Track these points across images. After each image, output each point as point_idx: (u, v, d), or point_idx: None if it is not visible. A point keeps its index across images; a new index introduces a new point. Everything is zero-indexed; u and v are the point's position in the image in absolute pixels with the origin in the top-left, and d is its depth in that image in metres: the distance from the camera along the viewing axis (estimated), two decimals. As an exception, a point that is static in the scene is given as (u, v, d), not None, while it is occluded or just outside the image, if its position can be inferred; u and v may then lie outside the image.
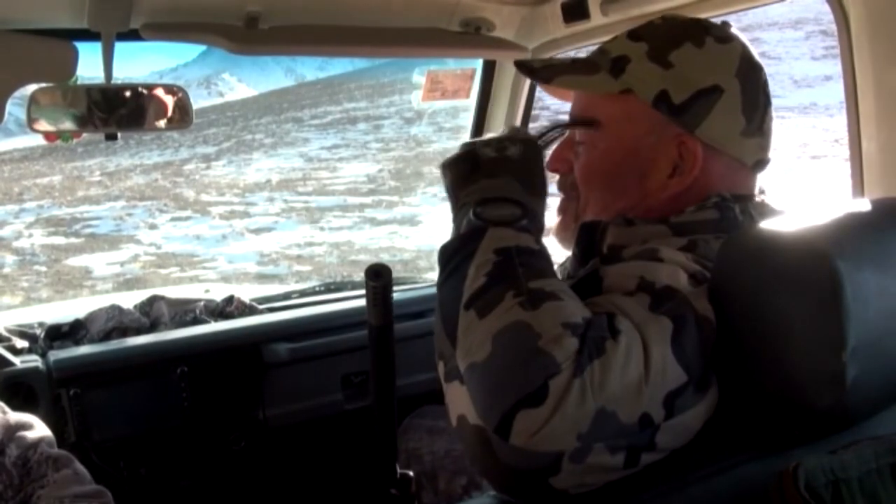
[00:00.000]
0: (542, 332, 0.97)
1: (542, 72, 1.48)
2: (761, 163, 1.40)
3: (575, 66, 1.44)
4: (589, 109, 1.42)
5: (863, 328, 1.01)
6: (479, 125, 2.91)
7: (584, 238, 1.35)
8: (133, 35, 2.05)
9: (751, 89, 1.36)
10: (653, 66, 1.35)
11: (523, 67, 1.53)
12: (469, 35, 2.39)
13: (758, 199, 1.38)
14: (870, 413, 1.08)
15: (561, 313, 1.00)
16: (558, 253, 1.43)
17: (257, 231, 18.95)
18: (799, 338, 1.02)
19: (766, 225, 1.10)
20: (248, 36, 2.10)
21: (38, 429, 1.80)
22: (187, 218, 20.86)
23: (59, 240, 18.96)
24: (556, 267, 1.40)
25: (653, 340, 1.00)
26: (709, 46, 1.35)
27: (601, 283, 1.16)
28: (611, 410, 0.95)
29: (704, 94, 1.32)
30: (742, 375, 1.06)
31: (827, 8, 1.73)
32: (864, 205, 1.22)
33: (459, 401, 1.05)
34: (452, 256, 1.17)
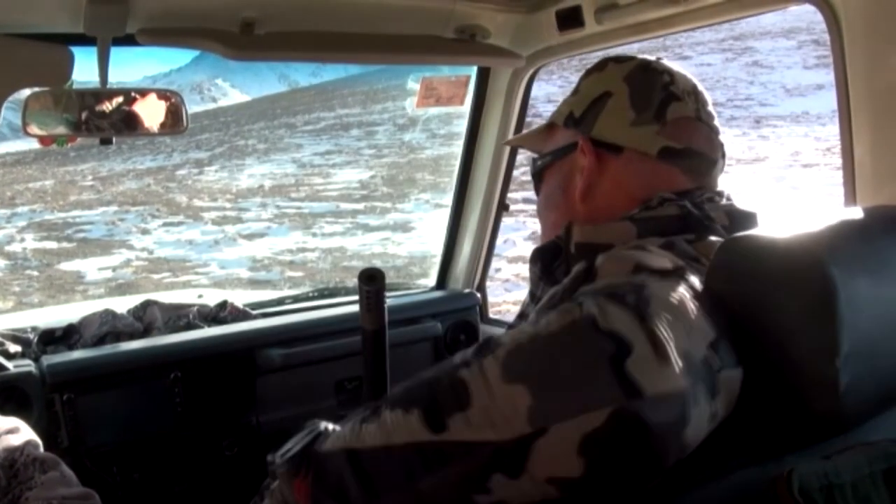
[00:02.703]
0: None
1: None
2: (669, 151, 1.45)
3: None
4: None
5: (856, 334, 1.02)
6: (474, 132, 2.92)
7: (537, 256, 1.46)
8: (129, 40, 2.05)
9: (641, 87, 1.49)
10: (568, 99, 1.58)
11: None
12: (464, 42, 2.40)
13: (710, 195, 1.43)
14: (863, 419, 1.09)
15: None
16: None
17: (250, 236, 18.90)
18: (793, 343, 1.03)
19: (761, 231, 1.11)
20: (244, 42, 2.10)
21: (24, 432, 1.80)
22: (179, 223, 20.81)
23: (52, 244, 18.90)
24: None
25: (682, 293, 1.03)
26: (608, 68, 1.54)
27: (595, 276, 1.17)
28: None
29: (597, 101, 1.50)
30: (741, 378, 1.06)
31: (819, 17, 1.74)
32: (857, 212, 1.23)
33: None
34: None
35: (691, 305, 1.02)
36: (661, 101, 1.46)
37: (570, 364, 0.93)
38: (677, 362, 0.92)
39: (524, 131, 1.76)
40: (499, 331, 3.01)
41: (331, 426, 1.28)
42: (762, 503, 0.93)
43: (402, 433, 1.03)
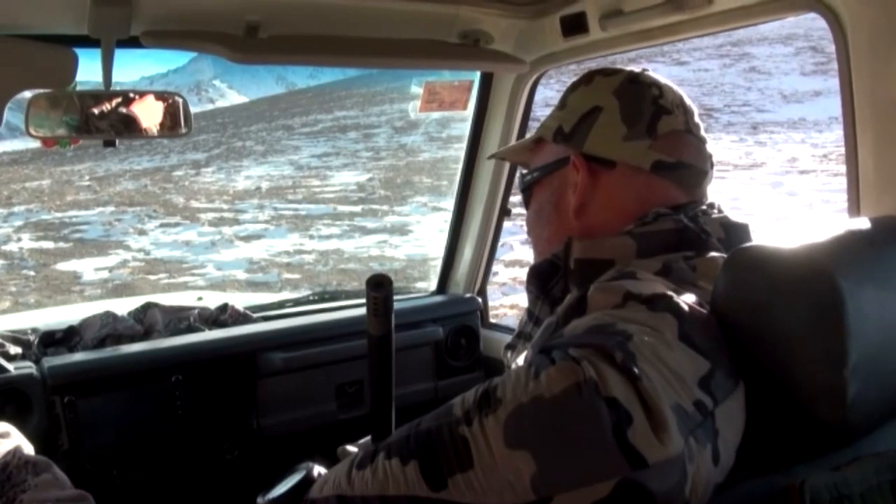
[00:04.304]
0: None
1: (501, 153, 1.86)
2: (663, 164, 1.45)
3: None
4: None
5: (863, 344, 1.02)
6: (476, 137, 2.92)
7: (533, 276, 1.47)
8: (133, 42, 2.05)
9: (631, 101, 1.48)
10: (555, 113, 1.57)
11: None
12: (467, 47, 2.40)
13: (702, 208, 1.43)
14: (870, 429, 1.09)
15: None
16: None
17: (247, 238, 18.86)
18: (800, 354, 1.03)
19: (767, 242, 1.11)
20: (248, 45, 2.10)
21: (15, 436, 1.80)
22: (176, 224, 20.76)
23: (48, 244, 18.85)
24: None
25: (665, 333, 1.02)
26: (595, 81, 1.54)
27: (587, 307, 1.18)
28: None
29: (587, 115, 1.49)
30: (745, 390, 1.06)
31: (819, 24, 1.74)
32: (863, 223, 1.24)
33: None
34: None
35: (677, 343, 1.02)
36: (652, 114, 1.46)
37: (575, 432, 0.92)
38: (672, 424, 0.92)
39: (510, 144, 1.76)
40: (499, 337, 3.02)
41: (323, 470, 1.29)
42: (773, 514, 0.94)
43: (399, 485, 1.04)
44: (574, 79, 1.61)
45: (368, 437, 1.66)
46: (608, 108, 1.47)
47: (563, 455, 0.93)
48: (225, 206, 22.81)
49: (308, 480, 1.27)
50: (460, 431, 0.99)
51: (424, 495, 1.01)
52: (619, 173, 1.45)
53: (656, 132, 1.45)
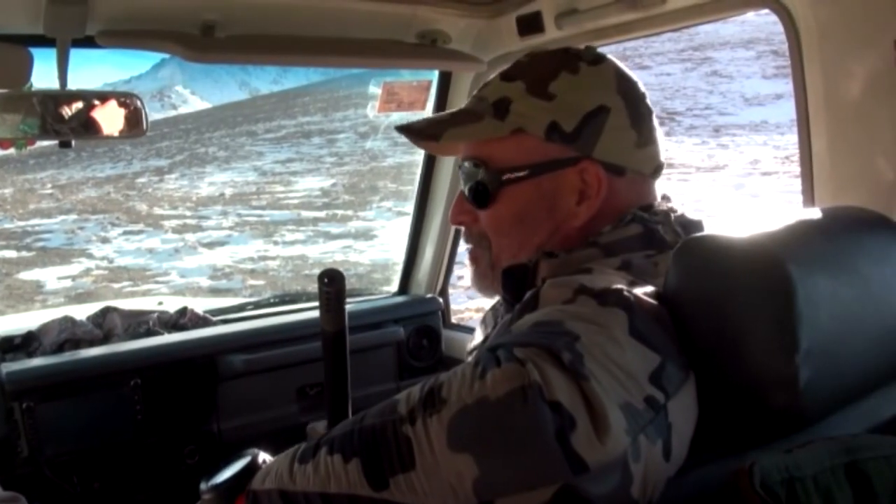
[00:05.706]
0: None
1: (429, 129, 1.48)
2: (659, 168, 1.44)
3: (457, 118, 1.45)
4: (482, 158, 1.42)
5: (815, 331, 1.03)
6: (435, 138, 2.91)
7: (510, 282, 1.37)
8: (89, 42, 2.04)
9: (634, 103, 1.40)
10: (536, 101, 1.37)
11: (407, 132, 1.50)
12: (425, 47, 2.40)
13: (667, 206, 1.41)
14: (823, 414, 1.10)
15: None
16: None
17: (210, 245, 18.76)
18: (752, 341, 1.04)
19: (720, 231, 1.12)
20: (204, 44, 2.10)
21: None
22: (140, 231, 20.64)
23: (10, 253, 18.65)
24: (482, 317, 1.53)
25: (615, 330, 1.02)
26: (583, 71, 1.39)
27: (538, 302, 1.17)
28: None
29: (592, 116, 1.35)
30: (698, 379, 1.07)
31: (778, 28, 1.76)
32: (815, 212, 1.25)
33: None
34: None
35: (627, 339, 1.01)
36: (648, 116, 1.42)
37: (519, 437, 0.92)
38: (617, 425, 0.93)
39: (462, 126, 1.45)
40: (461, 337, 3.02)
41: (268, 457, 1.27)
42: (724, 498, 0.94)
43: (341, 483, 1.03)
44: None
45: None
46: (616, 110, 1.36)
47: (505, 459, 0.93)
48: (188, 213, 22.69)
49: (252, 468, 1.26)
50: (404, 431, 0.99)
51: (366, 495, 1.01)
52: (629, 181, 1.38)
53: (654, 135, 1.42)
